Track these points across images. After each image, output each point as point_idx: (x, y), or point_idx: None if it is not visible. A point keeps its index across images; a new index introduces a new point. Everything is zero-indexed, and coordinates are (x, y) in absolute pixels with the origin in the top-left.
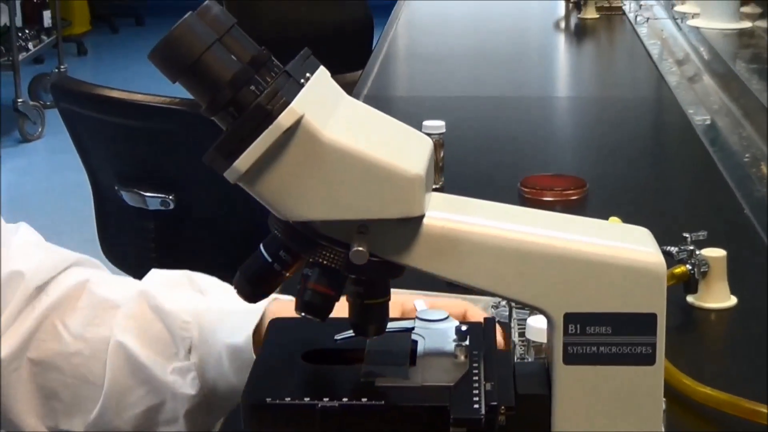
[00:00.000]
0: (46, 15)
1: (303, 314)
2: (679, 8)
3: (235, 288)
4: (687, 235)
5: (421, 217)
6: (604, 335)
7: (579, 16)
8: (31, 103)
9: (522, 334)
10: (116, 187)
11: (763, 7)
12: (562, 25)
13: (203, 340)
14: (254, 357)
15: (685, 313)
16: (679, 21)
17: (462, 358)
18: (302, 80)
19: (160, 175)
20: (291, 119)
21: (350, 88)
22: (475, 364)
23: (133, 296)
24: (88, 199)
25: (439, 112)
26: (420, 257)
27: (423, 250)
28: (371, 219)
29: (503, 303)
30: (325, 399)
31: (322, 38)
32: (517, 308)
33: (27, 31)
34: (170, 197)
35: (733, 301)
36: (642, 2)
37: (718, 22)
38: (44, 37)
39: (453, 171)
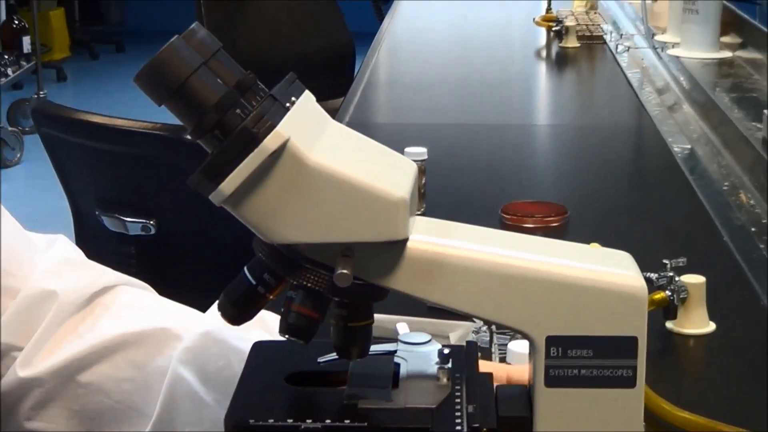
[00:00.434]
0: (26, 41)
1: (287, 336)
2: (659, 38)
3: (220, 311)
4: (666, 262)
5: (405, 240)
6: (585, 358)
7: (560, 44)
8: (10, 129)
9: (503, 359)
10: (97, 213)
11: (742, 37)
12: (544, 53)
13: None
14: None
15: (664, 339)
16: (659, 50)
17: (444, 380)
18: (288, 104)
19: (140, 200)
20: (276, 142)
21: (332, 115)
22: (458, 387)
23: (197, 328)
24: (69, 224)
25: (420, 139)
26: (404, 280)
27: (407, 273)
28: (356, 242)
29: (484, 329)
30: (308, 421)
31: (303, 65)
32: (497, 333)
33: (6, 57)
34: (151, 222)
35: (711, 327)
36: (623, 32)
37: (698, 52)
38: (24, 63)
39: (434, 197)
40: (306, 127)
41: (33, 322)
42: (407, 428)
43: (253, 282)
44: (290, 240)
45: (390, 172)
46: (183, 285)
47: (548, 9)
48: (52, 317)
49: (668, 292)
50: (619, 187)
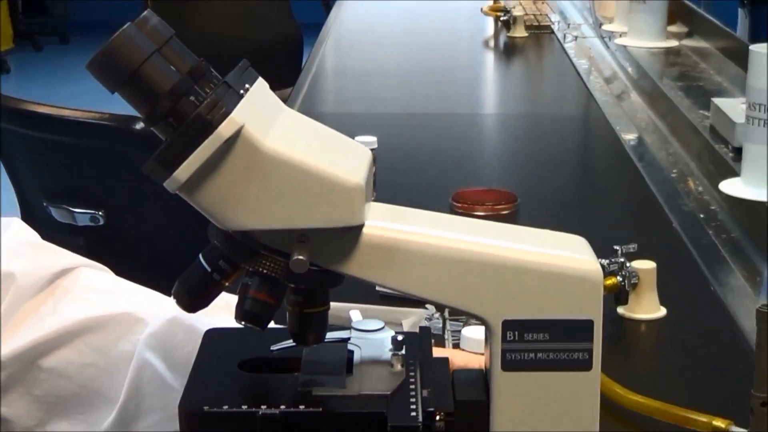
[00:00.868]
0: None
1: (243, 323)
2: (607, 27)
3: (174, 298)
4: (617, 248)
5: (361, 226)
6: (541, 341)
7: (508, 34)
8: None
9: (456, 345)
10: (45, 204)
11: (689, 26)
12: (491, 43)
13: None
14: None
15: (616, 324)
16: (606, 39)
17: (398, 366)
18: (242, 91)
19: (89, 190)
20: (231, 129)
21: None
22: (412, 372)
23: (163, 313)
24: (16, 215)
25: (369, 128)
26: (360, 266)
27: (363, 259)
28: (312, 228)
29: (437, 315)
30: (263, 407)
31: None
32: (450, 320)
33: None
34: (99, 213)
35: (662, 311)
36: (570, 21)
37: (645, 41)
38: None
39: (384, 186)
40: (260, 114)
41: None
42: (363, 413)
43: (209, 269)
44: (246, 227)
45: (345, 158)
46: (132, 275)
47: None
48: (10, 299)
49: (619, 278)
50: (569, 175)
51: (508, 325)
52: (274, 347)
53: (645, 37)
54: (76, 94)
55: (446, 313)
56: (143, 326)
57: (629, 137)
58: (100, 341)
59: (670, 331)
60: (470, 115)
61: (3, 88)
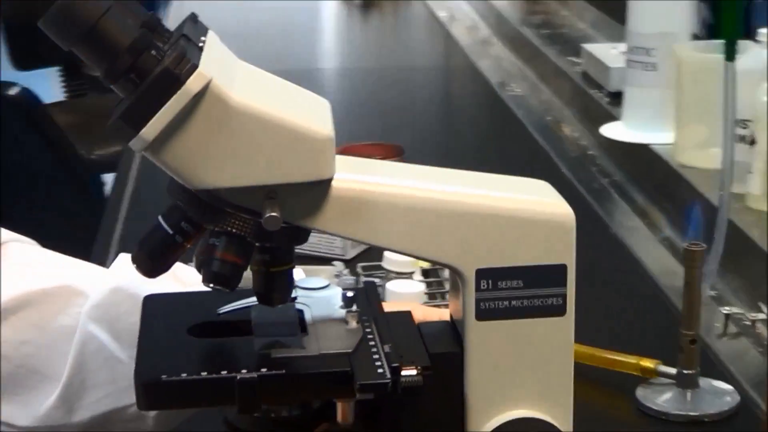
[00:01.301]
0: None
1: (211, 285)
2: None
3: (135, 264)
4: None
5: (330, 179)
6: (515, 289)
7: None
8: None
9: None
10: None
11: None
12: None
13: None
14: None
15: None
16: None
17: (354, 323)
18: (200, 44)
19: None
20: (200, 83)
21: None
22: (368, 329)
23: (105, 284)
24: None
25: None
26: (329, 221)
27: (332, 213)
28: (280, 184)
29: (345, 271)
30: (223, 372)
31: None
32: (364, 275)
33: None
34: None
35: None
36: None
37: None
38: None
39: None
40: (222, 67)
41: None
42: (328, 373)
43: (170, 231)
44: (215, 185)
45: (310, 110)
46: None
47: None
48: None
49: None
50: (450, 125)
51: (481, 273)
52: (220, 310)
53: None
54: None
55: (359, 269)
56: (83, 298)
57: (502, 86)
58: (37, 317)
59: (581, 277)
60: (338, 69)
61: None
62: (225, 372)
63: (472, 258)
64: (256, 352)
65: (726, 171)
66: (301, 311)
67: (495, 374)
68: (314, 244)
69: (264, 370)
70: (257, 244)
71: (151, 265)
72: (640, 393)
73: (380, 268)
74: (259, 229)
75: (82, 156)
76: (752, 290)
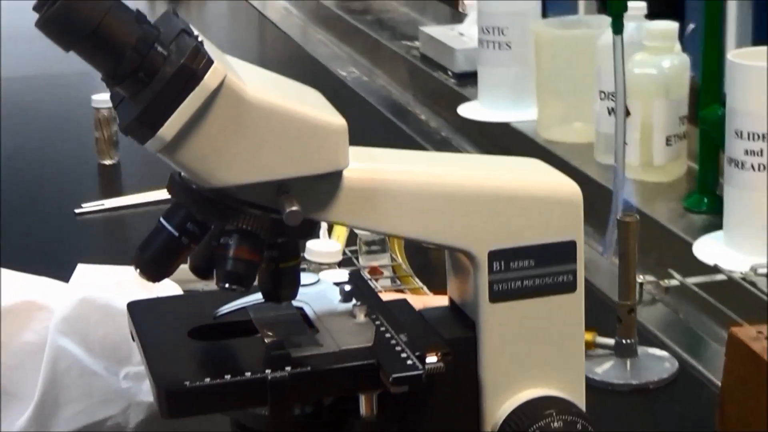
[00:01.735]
0: None
1: (227, 286)
2: None
3: (138, 269)
4: None
5: (341, 171)
6: (527, 269)
7: None
8: None
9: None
10: None
11: None
12: None
13: None
14: None
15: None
16: None
17: (362, 317)
18: (199, 38)
19: None
20: (218, 79)
21: None
22: (377, 321)
23: (71, 296)
24: None
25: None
26: (342, 212)
27: (345, 204)
28: (293, 177)
29: None
30: (248, 374)
31: None
32: None
33: None
34: None
35: None
36: None
37: None
38: None
39: (127, 147)
40: (226, 62)
41: None
42: (358, 366)
43: (176, 233)
44: (232, 182)
45: (315, 101)
46: None
47: None
48: None
49: None
50: None
51: (494, 255)
52: (218, 312)
53: None
54: None
55: None
56: (47, 313)
57: (341, 71)
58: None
59: None
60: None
61: None
62: (249, 374)
63: (484, 240)
64: (271, 352)
65: (618, 143)
66: (301, 308)
67: (509, 355)
68: None
69: (288, 369)
70: (272, 240)
71: (156, 269)
72: None
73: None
74: (273, 224)
75: None
76: (643, 257)
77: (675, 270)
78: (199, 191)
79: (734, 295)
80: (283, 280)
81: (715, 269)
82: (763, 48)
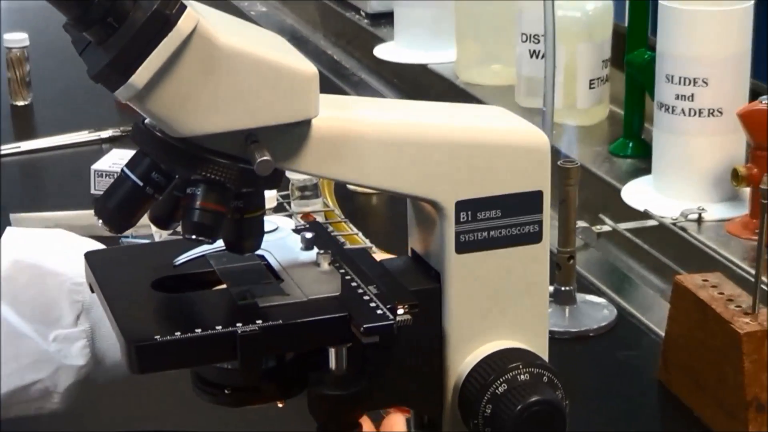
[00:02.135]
0: None
1: (192, 237)
2: None
3: (101, 219)
4: None
5: (310, 119)
6: (494, 219)
7: None
8: None
9: None
10: None
11: None
12: None
13: (98, 303)
14: None
15: None
16: None
17: (326, 265)
18: None
19: None
20: (191, 24)
21: None
22: (341, 270)
23: (5, 258)
24: None
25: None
26: (311, 161)
27: (314, 153)
28: (267, 126)
29: None
30: (218, 327)
31: None
32: None
33: None
34: None
35: None
36: None
37: None
38: None
39: (41, 87)
40: (196, 7)
41: None
42: (330, 319)
43: (140, 183)
44: (203, 131)
45: (285, 48)
46: None
47: None
48: None
49: None
50: None
51: (461, 205)
52: (176, 261)
53: None
54: None
55: None
56: None
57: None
58: None
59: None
60: None
61: None
62: (220, 327)
63: (452, 190)
64: (238, 302)
65: (548, 87)
66: (262, 257)
67: (474, 307)
68: None
69: (259, 322)
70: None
71: (120, 220)
72: None
73: None
74: (241, 174)
75: None
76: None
77: (604, 215)
78: (165, 140)
79: (666, 241)
80: (247, 231)
81: (645, 214)
82: None
